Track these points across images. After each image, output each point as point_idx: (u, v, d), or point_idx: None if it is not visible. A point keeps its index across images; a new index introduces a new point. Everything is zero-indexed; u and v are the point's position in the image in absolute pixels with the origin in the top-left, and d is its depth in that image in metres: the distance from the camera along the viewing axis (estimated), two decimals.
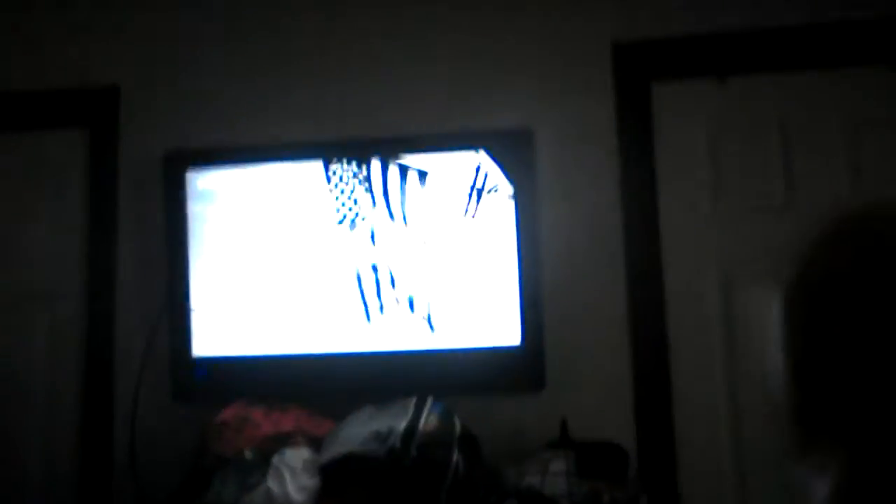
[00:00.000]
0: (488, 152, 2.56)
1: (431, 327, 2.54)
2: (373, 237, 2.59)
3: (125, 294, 2.83)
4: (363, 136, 2.71)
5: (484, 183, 2.55)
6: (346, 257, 2.59)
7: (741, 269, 2.66)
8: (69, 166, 2.92)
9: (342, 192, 2.61)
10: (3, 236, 2.94)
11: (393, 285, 2.57)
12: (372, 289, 2.57)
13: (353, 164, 2.61)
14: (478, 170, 2.56)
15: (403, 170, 2.58)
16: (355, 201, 2.59)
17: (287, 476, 2.15)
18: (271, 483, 2.14)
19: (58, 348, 2.87)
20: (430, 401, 2.30)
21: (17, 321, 2.90)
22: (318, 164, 2.63)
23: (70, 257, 2.89)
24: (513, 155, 2.57)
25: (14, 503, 2.81)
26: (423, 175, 2.58)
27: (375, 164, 2.60)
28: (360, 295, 2.57)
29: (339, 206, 2.60)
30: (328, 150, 2.64)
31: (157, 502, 2.45)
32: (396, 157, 2.60)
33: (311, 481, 2.16)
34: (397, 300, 2.56)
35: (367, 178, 2.59)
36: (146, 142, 2.83)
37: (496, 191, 2.55)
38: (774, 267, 2.80)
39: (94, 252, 2.87)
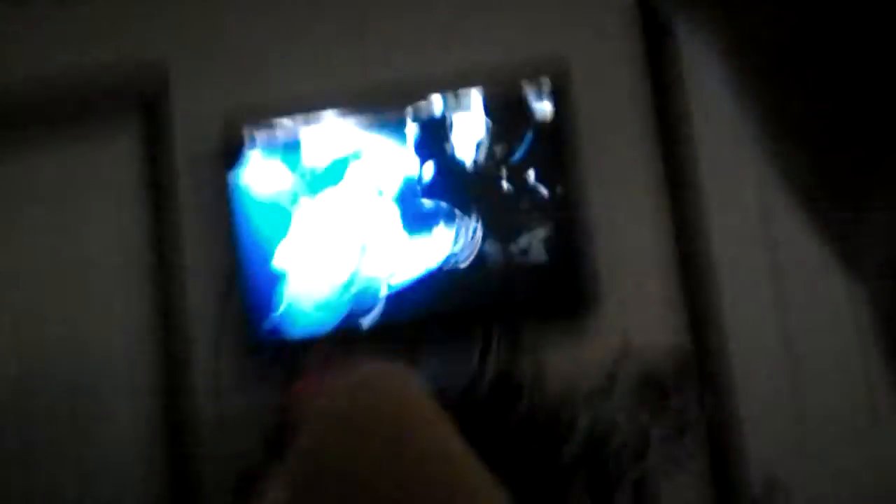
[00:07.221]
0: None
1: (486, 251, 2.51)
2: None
3: (191, 270, 2.83)
4: (395, 80, 2.71)
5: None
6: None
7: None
8: (124, 148, 2.92)
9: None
10: (71, 222, 2.94)
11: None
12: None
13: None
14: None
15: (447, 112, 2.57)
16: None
17: None
18: None
19: (131, 330, 2.85)
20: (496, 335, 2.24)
21: (90, 300, 2.89)
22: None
23: (135, 232, 2.88)
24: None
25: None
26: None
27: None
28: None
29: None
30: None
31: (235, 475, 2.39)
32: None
33: None
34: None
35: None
36: (200, 113, 2.81)
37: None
38: None
39: (157, 229, 2.85)
